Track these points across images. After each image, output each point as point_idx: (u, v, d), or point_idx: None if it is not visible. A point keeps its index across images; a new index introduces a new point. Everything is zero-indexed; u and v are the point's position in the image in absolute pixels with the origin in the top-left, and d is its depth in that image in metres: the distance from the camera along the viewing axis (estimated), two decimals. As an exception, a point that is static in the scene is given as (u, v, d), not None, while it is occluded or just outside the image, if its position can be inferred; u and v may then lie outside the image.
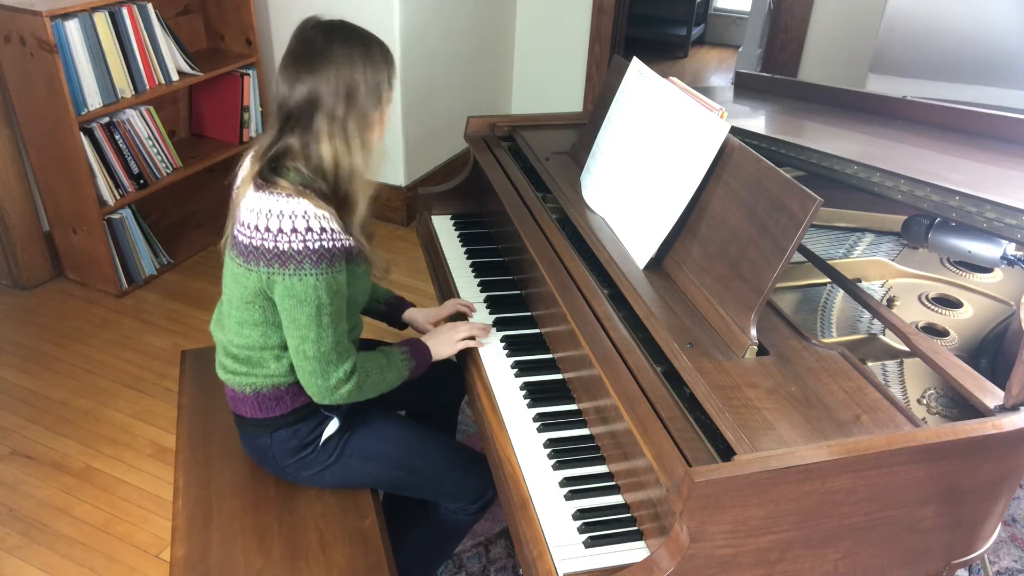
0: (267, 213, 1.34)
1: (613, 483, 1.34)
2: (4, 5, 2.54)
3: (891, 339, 1.54)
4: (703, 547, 1.06)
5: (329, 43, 1.35)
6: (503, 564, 1.99)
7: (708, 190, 1.44)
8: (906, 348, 1.44)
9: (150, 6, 2.83)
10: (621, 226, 1.61)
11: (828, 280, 1.66)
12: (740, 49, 5.25)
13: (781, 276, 1.26)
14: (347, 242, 1.37)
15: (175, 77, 2.99)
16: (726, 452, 1.12)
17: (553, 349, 1.62)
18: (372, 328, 1.73)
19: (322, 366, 1.40)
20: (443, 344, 1.61)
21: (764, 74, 2.48)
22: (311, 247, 1.33)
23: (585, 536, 1.24)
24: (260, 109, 3.41)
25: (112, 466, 2.24)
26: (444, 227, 2.13)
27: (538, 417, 1.47)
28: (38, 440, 2.32)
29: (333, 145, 1.37)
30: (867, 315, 1.61)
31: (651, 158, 1.57)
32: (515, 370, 1.59)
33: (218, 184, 3.41)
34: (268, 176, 1.37)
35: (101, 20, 2.68)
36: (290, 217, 1.33)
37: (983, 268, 1.77)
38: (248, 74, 3.31)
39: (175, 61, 2.99)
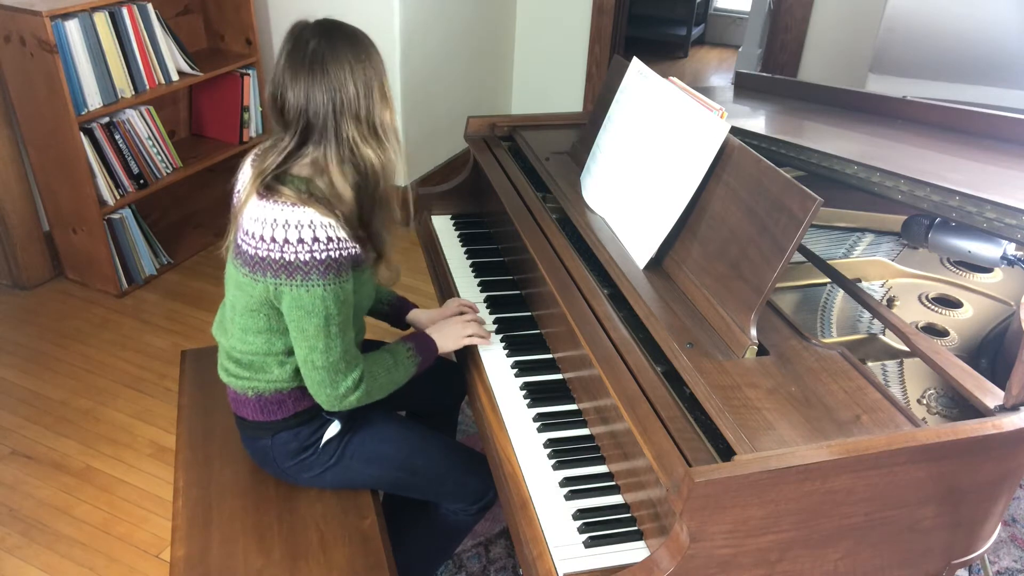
0: (272, 223, 1.33)
1: (613, 483, 1.34)
2: (4, 5, 2.54)
3: (891, 339, 1.54)
4: (703, 547, 1.06)
5: (334, 46, 1.33)
6: (503, 564, 1.99)
7: (708, 190, 1.44)
8: (906, 348, 1.44)
9: (150, 6, 2.83)
10: (621, 226, 1.61)
11: (828, 280, 1.66)
12: (740, 49, 5.25)
13: (781, 276, 1.26)
14: (354, 250, 1.36)
15: (175, 77, 2.99)
16: (726, 452, 1.12)
17: (553, 349, 1.62)
18: (373, 328, 1.73)
19: (331, 376, 1.39)
20: (450, 338, 1.61)
21: (764, 74, 2.48)
22: (318, 258, 1.32)
23: (585, 536, 1.24)
24: (260, 109, 3.41)
25: (112, 466, 2.24)
26: (444, 227, 2.13)
27: (538, 417, 1.47)
28: (38, 440, 2.32)
29: (370, 147, 1.37)
30: (867, 315, 1.61)
31: (651, 158, 1.57)
32: (515, 370, 1.59)
33: (218, 184, 3.41)
34: (272, 184, 1.35)
35: (101, 20, 2.68)
36: (296, 227, 1.32)
37: (983, 268, 1.77)
38: (248, 74, 3.31)
39: (175, 61, 2.99)
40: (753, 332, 1.28)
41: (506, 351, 1.64)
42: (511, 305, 1.79)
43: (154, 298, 2.98)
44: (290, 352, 1.44)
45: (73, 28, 2.60)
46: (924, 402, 1.43)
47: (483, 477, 1.59)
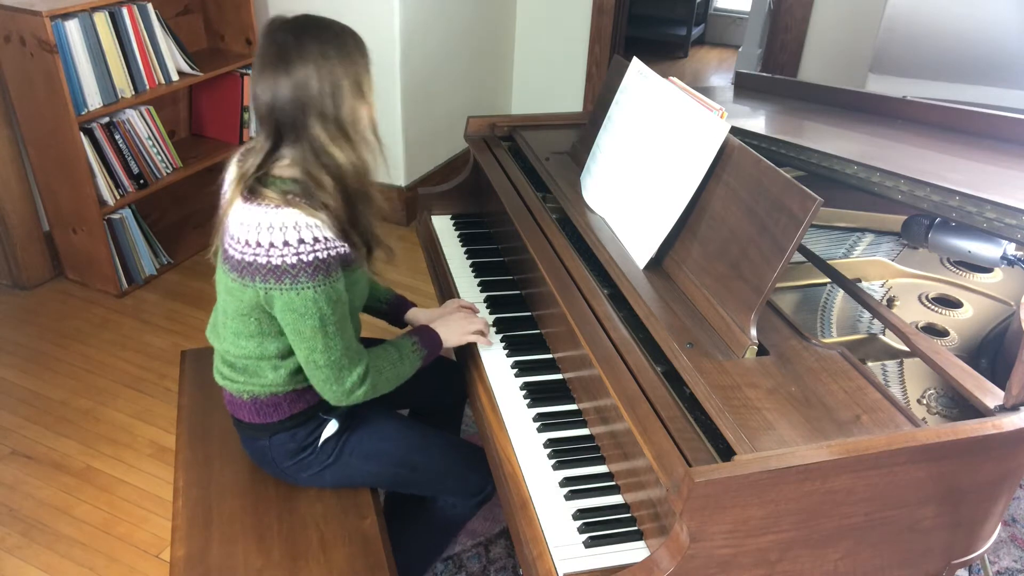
0: (257, 226, 1.31)
1: (613, 483, 1.34)
2: (4, 5, 2.54)
3: (891, 339, 1.54)
4: (703, 547, 1.06)
5: (301, 41, 1.30)
6: (503, 564, 1.99)
7: (708, 190, 1.44)
8: (906, 348, 1.44)
9: (150, 6, 2.83)
10: (621, 226, 1.61)
11: (828, 280, 1.66)
12: (740, 49, 5.25)
13: (781, 276, 1.26)
14: (342, 249, 1.35)
15: (175, 77, 2.99)
16: (726, 452, 1.12)
17: (553, 349, 1.62)
18: (374, 328, 1.73)
19: (335, 373, 1.39)
20: (454, 332, 1.60)
21: (764, 74, 2.48)
22: (305, 260, 1.30)
23: (585, 536, 1.24)
24: (260, 109, 3.41)
25: (112, 466, 2.24)
26: (444, 227, 2.13)
27: (538, 417, 1.47)
28: (38, 440, 2.32)
29: (338, 144, 1.33)
30: (867, 315, 1.61)
31: (651, 158, 1.57)
32: (515, 370, 1.59)
33: (218, 184, 3.41)
34: (255, 187, 1.33)
35: (101, 20, 2.68)
36: (280, 229, 1.30)
37: (983, 268, 1.77)
38: (248, 74, 3.31)
39: (175, 61, 2.99)
40: (753, 332, 1.28)
41: (506, 351, 1.64)
42: (511, 305, 1.79)
43: (154, 298, 2.98)
44: (283, 355, 1.43)
45: (73, 28, 2.60)
46: (924, 402, 1.43)
47: (482, 471, 1.58)
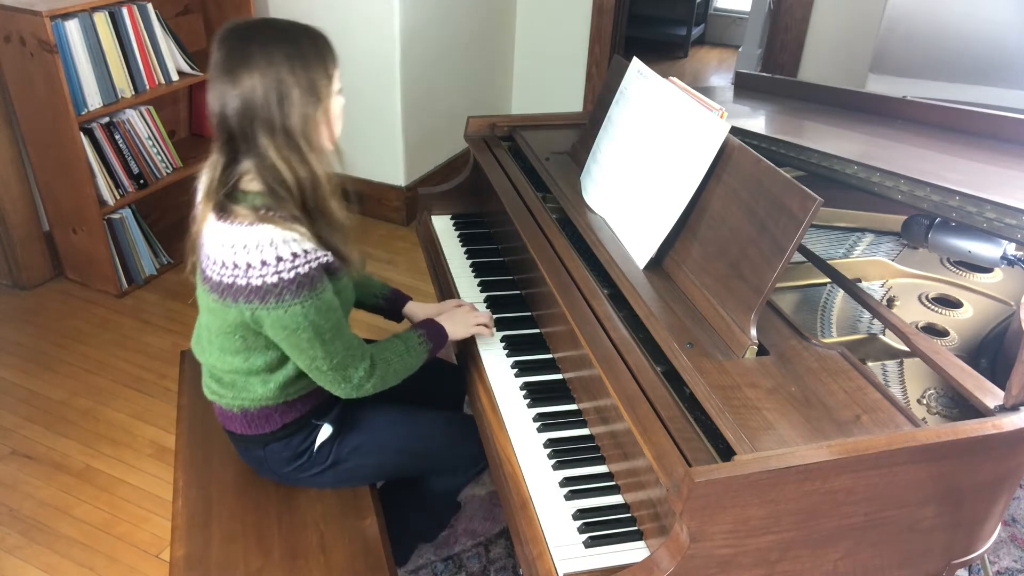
0: (232, 246, 1.26)
1: (613, 483, 1.34)
2: (4, 5, 2.54)
3: (891, 339, 1.54)
4: (703, 547, 1.06)
5: (246, 46, 1.23)
6: (503, 564, 1.99)
7: (708, 190, 1.44)
8: (906, 348, 1.44)
9: (150, 6, 2.83)
10: (621, 226, 1.61)
11: (828, 280, 1.66)
12: (740, 49, 5.25)
13: (781, 276, 1.26)
14: (325, 259, 1.31)
15: (175, 77, 2.99)
16: (726, 452, 1.12)
17: (553, 349, 1.62)
18: (374, 327, 1.73)
19: (341, 374, 1.38)
20: (460, 325, 1.60)
21: (764, 74, 2.48)
22: (286, 277, 1.25)
23: (585, 536, 1.24)
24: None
25: (112, 466, 2.24)
26: (444, 227, 2.13)
27: (538, 417, 1.47)
28: (38, 440, 2.32)
29: (284, 158, 1.26)
30: (867, 315, 1.61)
31: (651, 158, 1.57)
32: (515, 370, 1.59)
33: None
34: (224, 204, 1.28)
35: (101, 20, 2.68)
36: (257, 248, 1.25)
37: (983, 268, 1.77)
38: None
39: (175, 61, 2.99)
40: (753, 332, 1.28)
41: (506, 351, 1.64)
42: (511, 305, 1.79)
43: (154, 298, 2.98)
44: (271, 369, 1.41)
45: (73, 28, 2.60)
46: (924, 402, 1.43)
47: (477, 443, 1.57)
